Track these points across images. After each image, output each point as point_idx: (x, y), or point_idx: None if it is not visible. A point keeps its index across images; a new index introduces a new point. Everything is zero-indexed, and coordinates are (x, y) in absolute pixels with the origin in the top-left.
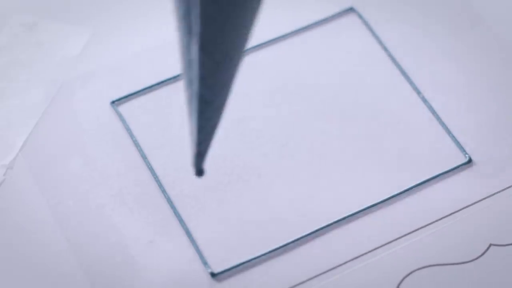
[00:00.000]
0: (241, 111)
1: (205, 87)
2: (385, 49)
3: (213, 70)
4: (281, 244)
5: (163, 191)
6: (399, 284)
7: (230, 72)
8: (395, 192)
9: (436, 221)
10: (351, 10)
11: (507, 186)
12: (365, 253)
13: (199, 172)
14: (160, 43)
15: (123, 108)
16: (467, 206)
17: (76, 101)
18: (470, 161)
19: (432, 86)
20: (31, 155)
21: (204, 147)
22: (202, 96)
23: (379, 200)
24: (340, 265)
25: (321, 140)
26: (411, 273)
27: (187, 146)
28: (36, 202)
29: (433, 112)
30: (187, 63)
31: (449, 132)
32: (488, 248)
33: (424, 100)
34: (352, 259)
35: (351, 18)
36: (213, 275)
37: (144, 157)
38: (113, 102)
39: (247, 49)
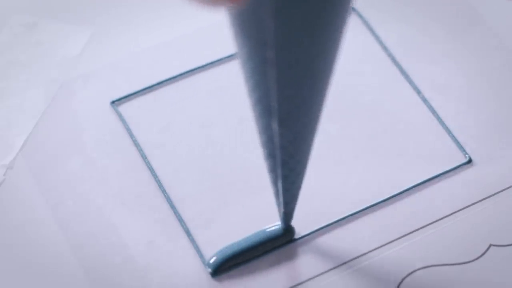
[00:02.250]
0: (241, 111)
1: (287, 156)
2: (385, 49)
3: (292, 141)
4: (280, 244)
5: (163, 191)
6: (399, 284)
7: (308, 139)
8: (395, 192)
9: (436, 221)
10: (351, 10)
11: (507, 186)
12: (365, 253)
13: (287, 229)
14: (160, 43)
15: (123, 108)
16: (467, 206)
17: (76, 101)
18: (470, 161)
19: (432, 86)
20: (31, 155)
21: (291, 207)
22: (285, 163)
23: (379, 200)
24: (340, 265)
25: (321, 140)
26: (411, 273)
27: (187, 146)
28: (36, 202)
29: (433, 112)
30: (268, 137)
31: (449, 132)
32: (488, 249)
33: (424, 100)
34: (352, 259)
35: (351, 18)
36: (213, 274)
37: (144, 157)
38: (113, 102)
39: None
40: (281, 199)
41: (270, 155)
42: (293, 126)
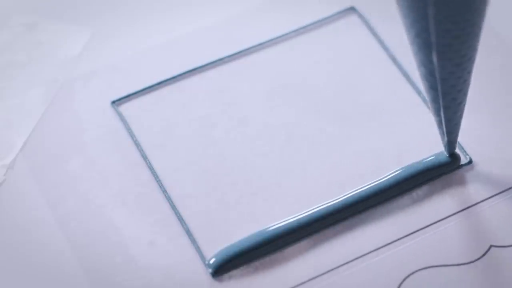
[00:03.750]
0: (241, 111)
1: (448, 87)
2: (386, 49)
3: (453, 72)
4: (281, 244)
5: (164, 191)
6: (399, 285)
7: (468, 68)
8: (396, 193)
9: (437, 222)
10: (351, 9)
11: (508, 187)
12: (366, 254)
13: (453, 156)
14: (160, 43)
15: (124, 108)
16: (467, 207)
17: (76, 101)
18: (470, 162)
19: None
20: (31, 155)
21: (454, 136)
22: (446, 94)
23: (379, 201)
24: (341, 265)
25: (321, 140)
26: (411, 274)
27: (188, 146)
28: (36, 202)
29: None
30: (428, 71)
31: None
32: (488, 249)
33: (425, 101)
34: (353, 260)
35: (352, 18)
36: (213, 275)
37: (144, 157)
38: (113, 102)
39: (248, 49)
40: (444, 129)
41: (432, 88)
42: (452, 58)
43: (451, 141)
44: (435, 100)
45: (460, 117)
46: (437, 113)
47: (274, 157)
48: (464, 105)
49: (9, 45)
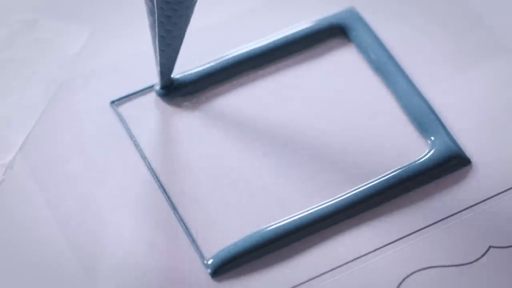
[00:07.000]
0: (241, 112)
1: (163, 17)
2: (385, 49)
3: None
4: (282, 244)
5: (163, 191)
6: (399, 285)
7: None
8: (395, 193)
9: (436, 222)
10: (351, 9)
11: (507, 187)
12: (365, 255)
13: (163, 87)
14: None
15: (123, 108)
16: (466, 208)
17: (76, 100)
18: (469, 162)
19: (432, 86)
20: (31, 155)
21: (166, 68)
22: (161, 23)
23: (379, 201)
24: (340, 266)
25: (321, 140)
26: (410, 274)
27: (187, 146)
28: (36, 201)
29: (433, 113)
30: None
31: (448, 133)
32: (487, 250)
33: (424, 101)
34: (353, 260)
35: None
36: (212, 275)
37: (144, 157)
38: (113, 102)
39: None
40: (157, 59)
41: (150, 14)
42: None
43: (162, 72)
44: (152, 28)
45: (174, 51)
46: (153, 42)
47: (274, 157)
48: (179, 43)
49: (9, 43)
